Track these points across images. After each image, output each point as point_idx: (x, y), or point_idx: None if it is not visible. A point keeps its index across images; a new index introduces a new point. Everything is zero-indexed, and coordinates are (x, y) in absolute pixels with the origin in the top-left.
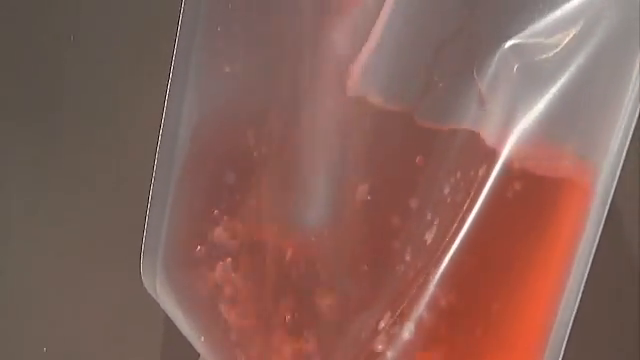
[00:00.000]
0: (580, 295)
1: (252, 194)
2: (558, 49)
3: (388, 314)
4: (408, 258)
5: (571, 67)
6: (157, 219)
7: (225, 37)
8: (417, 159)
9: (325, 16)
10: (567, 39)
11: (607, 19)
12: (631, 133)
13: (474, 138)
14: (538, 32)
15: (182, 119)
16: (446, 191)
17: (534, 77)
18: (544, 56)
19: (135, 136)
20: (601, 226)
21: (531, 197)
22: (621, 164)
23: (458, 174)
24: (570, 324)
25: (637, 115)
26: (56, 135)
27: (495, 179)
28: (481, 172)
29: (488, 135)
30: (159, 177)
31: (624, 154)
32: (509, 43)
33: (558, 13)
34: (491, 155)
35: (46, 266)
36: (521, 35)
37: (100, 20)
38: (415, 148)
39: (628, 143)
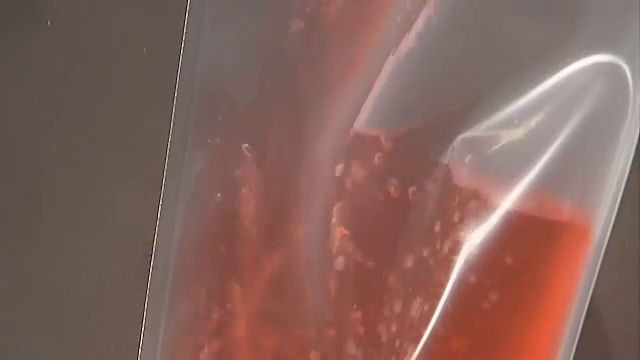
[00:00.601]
0: (577, 338)
1: (240, 320)
2: (533, 127)
3: None
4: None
5: (559, 137)
6: (151, 345)
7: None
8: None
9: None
10: (542, 116)
11: (593, 93)
12: (624, 183)
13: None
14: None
15: (174, 235)
16: (435, 244)
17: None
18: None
19: (121, 247)
20: (597, 270)
21: (531, 245)
22: (615, 212)
23: (449, 218)
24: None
25: (629, 167)
26: (36, 239)
27: (491, 230)
28: (476, 221)
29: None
30: (152, 301)
31: (618, 203)
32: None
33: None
34: (482, 205)
35: None
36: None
37: (84, 127)
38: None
39: (622, 193)
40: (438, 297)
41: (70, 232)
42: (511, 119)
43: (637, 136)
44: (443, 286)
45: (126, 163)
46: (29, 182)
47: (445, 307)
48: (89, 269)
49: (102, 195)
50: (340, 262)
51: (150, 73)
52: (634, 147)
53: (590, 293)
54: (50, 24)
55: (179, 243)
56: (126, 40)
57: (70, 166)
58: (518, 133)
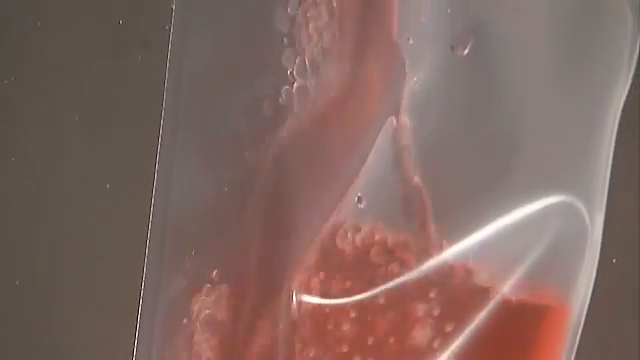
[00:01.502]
0: None
1: None
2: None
3: None
4: None
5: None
6: None
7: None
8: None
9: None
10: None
11: (550, 229)
12: (594, 272)
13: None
14: None
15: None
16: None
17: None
18: None
19: None
20: (576, 345)
21: (515, 326)
22: (589, 294)
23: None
24: None
25: (597, 258)
26: None
27: (484, 314)
28: (472, 309)
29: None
30: None
31: (591, 286)
32: None
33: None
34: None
35: None
36: None
37: (49, 264)
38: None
39: (594, 279)
40: None
41: None
42: (466, 256)
43: (598, 252)
44: None
45: (96, 301)
46: None
47: None
48: None
49: (72, 333)
50: None
51: (113, 209)
52: (598, 252)
53: None
54: (14, 159)
55: None
56: (89, 177)
57: (38, 303)
58: (475, 266)
